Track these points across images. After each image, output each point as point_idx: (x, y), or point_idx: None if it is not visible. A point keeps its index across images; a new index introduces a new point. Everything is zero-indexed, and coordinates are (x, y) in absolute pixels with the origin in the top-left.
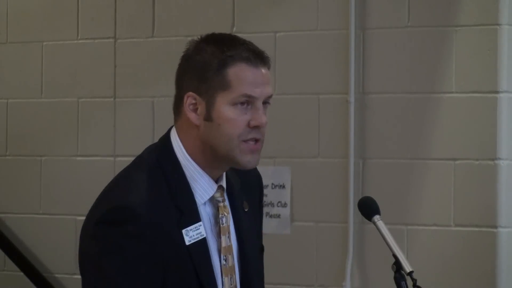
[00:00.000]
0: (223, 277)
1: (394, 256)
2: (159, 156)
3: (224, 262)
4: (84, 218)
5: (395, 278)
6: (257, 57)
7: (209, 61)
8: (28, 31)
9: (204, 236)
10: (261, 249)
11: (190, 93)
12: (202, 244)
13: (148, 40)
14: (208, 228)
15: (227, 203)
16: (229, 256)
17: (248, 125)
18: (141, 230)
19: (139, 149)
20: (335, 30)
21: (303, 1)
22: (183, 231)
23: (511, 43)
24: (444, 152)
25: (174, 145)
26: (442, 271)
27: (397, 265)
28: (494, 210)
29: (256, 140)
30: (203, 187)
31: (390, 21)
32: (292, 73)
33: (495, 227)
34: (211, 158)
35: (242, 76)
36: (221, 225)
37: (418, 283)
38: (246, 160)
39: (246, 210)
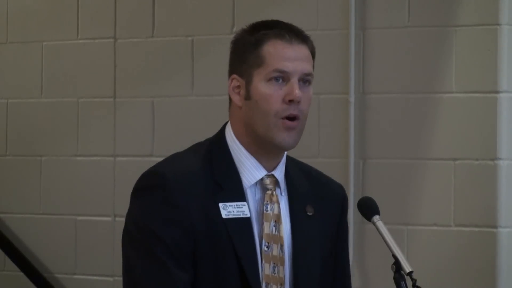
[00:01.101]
0: (263, 262)
1: (394, 256)
2: (212, 139)
3: (266, 249)
4: (84, 218)
5: (395, 278)
6: (292, 34)
7: (247, 41)
8: (28, 31)
9: (248, 216)
10: (328, 255)
11: (234, 75)
12: (244, 222)
13: (148, 40)
14: (254, 212)
15: (282, 195)
16: (274, 245)
17: (284, 100)
18: (170, 195)
19: (139, 149)
20: (335, 30)
21: (303, 1)
22: (220, 204)
23: (511, 43)
24: (444, 152)
25: (226, 130)
26: (442, 271)
27: (397, 265)
28: (494, 210)
29: (293, 118)
30: (249, 170)
31: (390, 21)
32: None
33: (495, 227)
34: (254, 141)
35: (275, 51)
36: (265, 211)
37: (418, 283)
38: (281, 137)
39: (309, 213)
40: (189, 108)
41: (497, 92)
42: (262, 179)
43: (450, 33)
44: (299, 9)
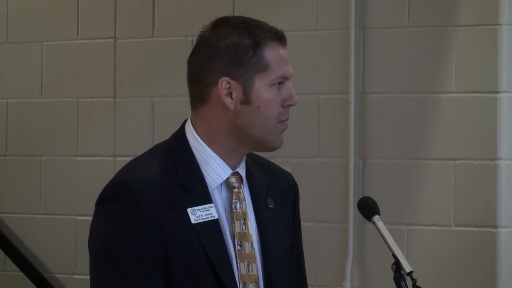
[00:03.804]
0: (238, 262)
1: (394, 256)
2: (171, 141)
3: (239, 248)
4: (84, 218)
5: (395, 278)
6: (282, 36)
7: (242, 44)
8: (28, 31)
9: (216, 217)
10: (291, 247)
11: (225, 77)
12: (213, 224)
13: (148, 40)
14: (222, 212)
15: (245, 191)
16: (246, 243)
17: (283, 105)
18: (138, 205)
19: (139, 149)
20: (335, 30)
21: (303, 1)
22: (189, 210)
23: (511, 43)
24: (444, 152)
25: (187, 131)
26: (442, 271)
27: (397, 265)
28: (494, 210)
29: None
30: (215, 170)
31: (390, 21)
32: None
33: (495, 227)
34: (237, 142)
35: (277, 56)
36: (235, 210)
37: (418, 283)
38: (279, 140)
39: (270, 206)
40: (189, 108)
41: (497, 92)
42: (227, 178)
43: (450, 33)
44: (299, 9)
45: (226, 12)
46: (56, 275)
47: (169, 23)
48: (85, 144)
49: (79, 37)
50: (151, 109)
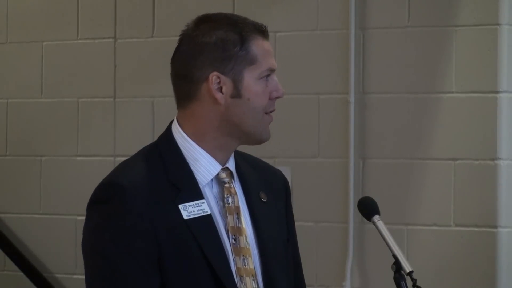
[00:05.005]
0: (234, 256)
1: (394, 256)
2: (158, 141)
3: (234, 242)
4: (84, 218)
5: (395, 278)
6: (265, 30)
7: (229, 39)
8: (28, 31)
9: (209, 213)
10: (287, 240)
11: (215, 73)
12: (206, 220)
13: (148, 40)
14: (215, 208)
15: (236, 186)
16: (240, 237)
17: (270, 97)
18: (128, 204)
19: (139, 149)
20: (335, 30)
21: (303, 1)
22: (180, 206)
23: (511, 43)
24: (444, 152)
25: (174, 131)
26: (442, 271)
27: (397, 265)
28: (494, 210)
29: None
30: (205, 167)
31: (390, 21)
32: (292, 73)
33: (495, 227)
34: (226, 137)
35: (263, 50)
36: (227, 205)
37: (418, 283)
38: (267, 132)
39: (264, 200)
40: None
41: (497, 92)
42: (217, 174)
43: (450, 33)
44: (299, 9)
45: (225, 12)
46: (56, 275)
47: (169, 23)
48: (85, 144)
49: (79, 37)
50: (151, 109)
